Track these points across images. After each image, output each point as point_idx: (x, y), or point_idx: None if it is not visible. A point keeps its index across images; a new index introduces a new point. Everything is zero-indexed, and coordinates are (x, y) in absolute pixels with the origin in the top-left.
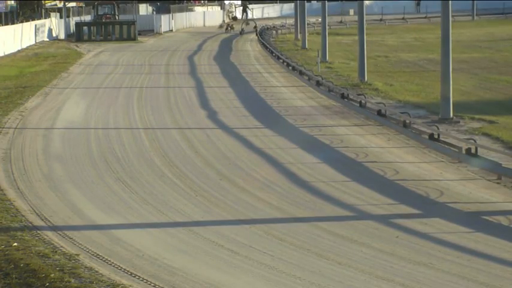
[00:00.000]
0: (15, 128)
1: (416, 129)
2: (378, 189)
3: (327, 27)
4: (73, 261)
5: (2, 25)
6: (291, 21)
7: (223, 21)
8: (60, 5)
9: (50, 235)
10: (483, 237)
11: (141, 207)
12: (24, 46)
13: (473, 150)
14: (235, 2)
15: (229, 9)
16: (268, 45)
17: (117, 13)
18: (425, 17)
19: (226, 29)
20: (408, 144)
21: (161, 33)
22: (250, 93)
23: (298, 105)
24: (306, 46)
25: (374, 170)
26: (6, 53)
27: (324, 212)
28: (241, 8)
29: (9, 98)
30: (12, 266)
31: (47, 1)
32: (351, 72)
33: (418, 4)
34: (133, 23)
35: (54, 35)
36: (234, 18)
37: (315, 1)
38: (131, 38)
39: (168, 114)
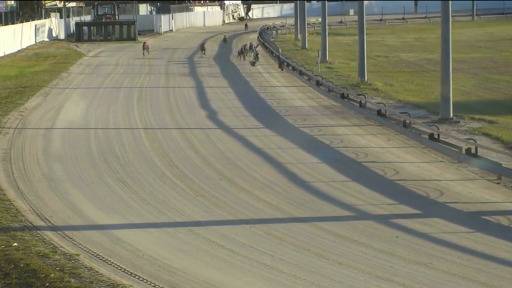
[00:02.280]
0: (15, 128)
1: (416, 129)
2: (378, 189)
3: (327, 27)
4: (73, 261)
5: (2, 25)
6: (291, 21)
7: (203, 42)
8: (60, 5)
9: (50, 235)
10: (483, 237)
11: (141, 207)
12: (24, 46)
13: (473, 150)
14: (237, 2)
15: (233, 10)
16: (268, 45)
17: (117, 13)
18: (425, 17)
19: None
20: (408, 144)
21: (161, 33)
22: (250, 94)
23: (298, 105)
24: (306, 46)
25: (374, 170)
26: (6, 53)
27: (324, 212)
28: (246, 7)
29: (9, 98)
30: (12, 266)
31: (47, 1)
32: (351, 72)
33: (416, 4)
34: (133, 23)
35: (54, 35)
36: (241, 19)
37: (315, 1)
38: (131, 38)
39: (168, 114)
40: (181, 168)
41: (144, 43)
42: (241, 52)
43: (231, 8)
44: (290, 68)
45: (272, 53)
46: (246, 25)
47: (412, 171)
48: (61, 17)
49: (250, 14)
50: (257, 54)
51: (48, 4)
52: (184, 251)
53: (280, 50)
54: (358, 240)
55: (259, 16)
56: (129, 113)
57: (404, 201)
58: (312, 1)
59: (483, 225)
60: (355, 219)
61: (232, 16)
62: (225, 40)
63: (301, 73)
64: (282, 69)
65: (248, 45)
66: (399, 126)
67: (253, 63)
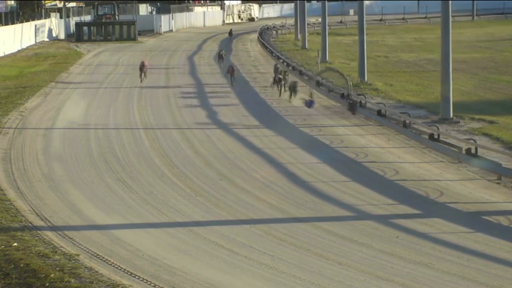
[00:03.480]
0: (15, 128)
1: (417, 129)
2: (378, 189)
3: (327, 27)
4: (73, 261)
5: (2, 25)
6: (291, 21)
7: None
8: (60, 5)
9: (50, 235)
10: (483, 237)
11: (141, 207)
12: (24, 46)
13: (473, 151)
14: (237, 2)
15: (242, 10)
16: (268, 45)
17: (117, 13)
18: (425, 17)
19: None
20: (408, 144)
21: (161, 33)
22: (250, 93)
23: (298, 106)
24: (306, 46)
25: (374, 170)
26: (6, 53)
27: (324, 212)
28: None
29: (9, 98)
30: (12, 266)
31: (47, 1)
32: (351, 73)
33: (419, 3)
34: (133, 23)
35: (54, 35)
36: (251, 19)
37: (315, 1)
38: (131, 38)
39: (168, 114)
40: (181, 168)
41: (143, 64)
42: (275, 81)
43: (237, 8)
44: (366, 109)
45: (272, 52)
46: (230, 32)
47: (412, 171)
48: (61, 17)
49: (254, 14)
50: (294, 87)
51: (48, 4)
52: (184, 251)
53: (349, 82)
54: (358, 240)
55: (260, 16)
56: (129, 113)
57: (404, 201)
58: (312, 1)
59: (483, 225)
60: (355, 219)
61: (239, 16)
62: (221, 57)
63: (301, 73)
64: (353, 113)
65: (278, 71)
66: (399, 126)
67: (310, 103)
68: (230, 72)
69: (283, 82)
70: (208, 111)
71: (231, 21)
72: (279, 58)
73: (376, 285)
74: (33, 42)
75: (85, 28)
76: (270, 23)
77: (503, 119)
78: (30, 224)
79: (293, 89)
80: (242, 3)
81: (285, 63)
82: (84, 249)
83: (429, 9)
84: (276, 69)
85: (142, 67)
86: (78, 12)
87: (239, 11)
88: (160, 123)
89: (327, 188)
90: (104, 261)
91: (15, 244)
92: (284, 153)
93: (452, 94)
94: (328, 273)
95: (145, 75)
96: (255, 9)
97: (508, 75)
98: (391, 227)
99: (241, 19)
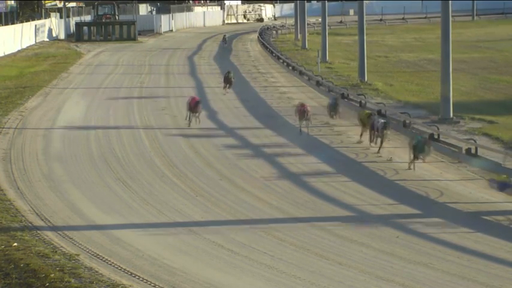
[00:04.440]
0: (15, 128)
1: (416, 129)
2: (378, 189)
3: (327, 27)
4: (73, 261)
5: (2, 25)
6: (291, 21)
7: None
8: (60, 5)
9: (50, 235)
10: (483, 237)
11: (141, 207)
12: (24, 46)
13: (473, 151)
14: (237, 2)
15: (249, 10)
16: (268, 45)
17: (117, 13)
18: (425, 17)
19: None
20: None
21: (161, 33)
22: (250, 93)
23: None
24: (306, 46)
25: (374, 170)
26: (6, 53)
27: (324, 212)
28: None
29: (9, 98)
30: (12, 266)
31: (47, 1)
32: (351, 72)
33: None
34: (133, 23)
35: (54, 35)
36: (260, 20)
37: (315, 1)
38: (131, 38)
39: (168, 114)
40: (181, 168)
41: (196, 101)
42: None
43: (242, 8)
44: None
45: (272, 52)
46: (224, 38)
47: (412, 171)
48: (61, 17)
49: (266, 14)
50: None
51: (48, 4)
52: (185, 251)
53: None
54: (358, 240)
55: (272, 17)
56: (129, 113)
57: (405, 201)
58: (312, 1)
59: (483, 225)
60: (355, 219)
61: (244, 16)
62: (229, 80)
63: (301, 73)
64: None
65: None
66: (399, 126)
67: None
68: (300, 112)
69: (387, 132)
70: (208, 111)
71: (234, 21)
72: (279, 58)
73: (376, 285)
74: (33, 42)
75: (85, 28)
76: (269, 23)
77: (503, 119)
78: (30, 224)
79: (420, 149)
80: (243, 3)
81: (285, 63)
82: (84, 249)
83: (429, 9)
84: (333, 106)
85: (195, 107)
86: (78, 12)
87: (245, 11)
88: (160, 123)
89: (327, 188)
90: (104, 261)
91: (15, 244)
92: (284, 153)
93: (452, 94)
94: (328, 273)
95: (197, 117)
96: (266, 10)
97: (508, 75)
98: (391, 227)
99: (248, 19)
